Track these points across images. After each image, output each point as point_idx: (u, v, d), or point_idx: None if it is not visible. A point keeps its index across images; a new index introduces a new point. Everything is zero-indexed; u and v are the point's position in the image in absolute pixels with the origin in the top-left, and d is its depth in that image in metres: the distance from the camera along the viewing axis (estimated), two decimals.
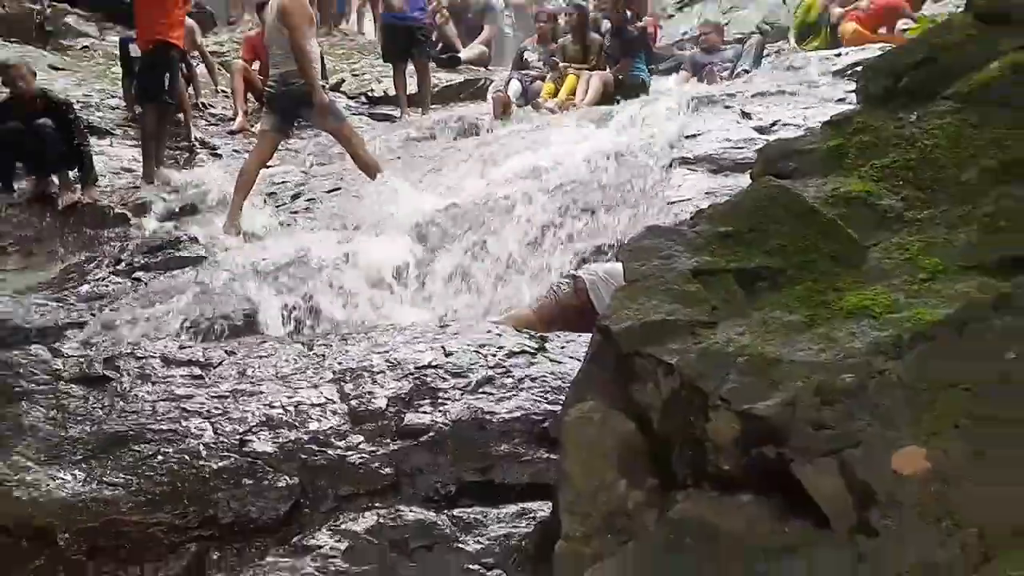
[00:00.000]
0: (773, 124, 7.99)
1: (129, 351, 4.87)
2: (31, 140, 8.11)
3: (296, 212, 8.07)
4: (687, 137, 8.22)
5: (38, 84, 8.64)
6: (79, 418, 4.32)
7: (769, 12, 12.88)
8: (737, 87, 9.75)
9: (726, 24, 12.69)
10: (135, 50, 9.32)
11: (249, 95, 11.01)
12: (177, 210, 8.22)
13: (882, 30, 11.09)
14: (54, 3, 12.65)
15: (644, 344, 2.16)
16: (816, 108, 8.09)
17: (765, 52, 11.92)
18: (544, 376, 4.45)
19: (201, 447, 4.10)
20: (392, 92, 11.60)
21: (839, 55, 10.27)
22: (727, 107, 8.86)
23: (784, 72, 9.92)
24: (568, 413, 2.23)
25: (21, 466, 4.03)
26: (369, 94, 12.01)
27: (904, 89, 2.69)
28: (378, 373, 4.53)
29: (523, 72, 11.54)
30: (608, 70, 11.08)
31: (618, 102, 10.21)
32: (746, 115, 8.56)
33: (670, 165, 7.76)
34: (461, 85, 12.36)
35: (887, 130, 2.58)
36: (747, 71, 11.22)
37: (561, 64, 11.18)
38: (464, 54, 13.26)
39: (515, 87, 11.31)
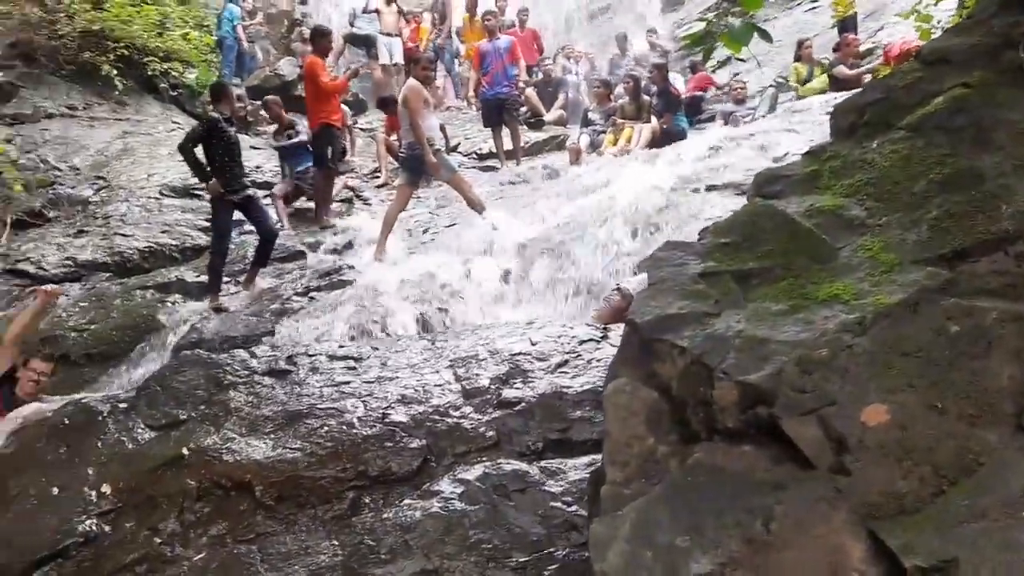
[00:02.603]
0: (784, 155, 7.76)
1: (304, 351, 4.97)
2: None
3: (425, 243, 8.13)
4: (717, 169, 8.05)
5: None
6: (268, 401, 4.43)
7: (783, 69, 12.53)
8: (756, 128, 9.51)
9: (747, 82, 12.37)
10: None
11: (389, 158, 11.19)
12: (340, 246, 8.36)
13: None
14: (252, 101, 13.06)
15: (662, 332, 2.12)
16: (818, 140, 7.83)
17: (779, 100, 11.59)
18: (607, 358, 4.40)
19: (355, 419, 4.17)
20: (494, 150, 11.65)
21: (835, 97, 9.94)
22: (748, 145, 8.65)
23: (792, 115, 9.62)
24: (608, 386, 2.20)
25: (228, 437, 4.15)
26: (478, 152, 12.07)
27: (866, 123, 2.59)
28: (482, 360, 4.54)
29: (590, 128, 11.47)
30: (655, 122, 10.93)
31: (664, 147, 10.08)
32: (763, 149, 8.34)
33: (705, 191, 7.60)
34: (545, 141, 12.31)
35: (853, 156, 2.49)
36: (764, 116, 10.93)
37: (619, 120, 11.08)
38: (547, 117, 13.23)
39: (584, 140, 11.24)
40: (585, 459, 3.70)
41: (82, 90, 12.30)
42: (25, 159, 9.94)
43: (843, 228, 2.30)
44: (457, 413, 4.12)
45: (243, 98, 12.52)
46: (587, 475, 3.58)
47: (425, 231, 8.46)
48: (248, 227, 7.82)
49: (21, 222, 8.92)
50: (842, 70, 10.65)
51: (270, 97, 10.67)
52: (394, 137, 11.30)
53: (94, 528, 3.71)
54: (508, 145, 11.25)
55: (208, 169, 6.90)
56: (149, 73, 12.55)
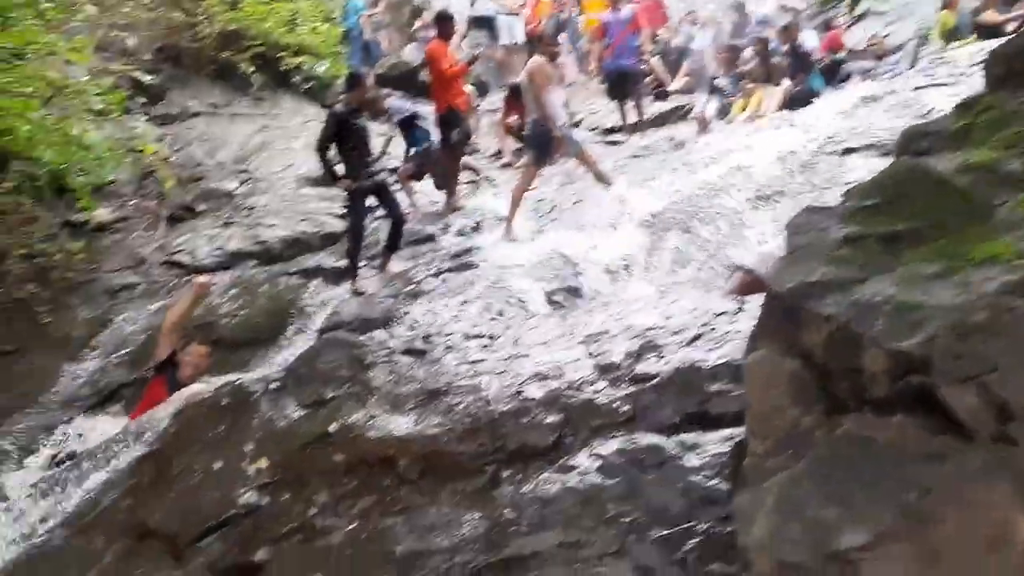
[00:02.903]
0: (929, 111, 7.32)
1: (438, 330, 5.09)
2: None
3: (552, 221, 8.17)
4: (856, 130, 7.68)
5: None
6: (408, 379, 4.56)
7: (923, 22, 11.76)
8: (897, 85, 8.99)
9: (886, 36, 11.70)
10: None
11: (511, 139, 11.26)
12: (468, 227, 8.50)
13: None
14: (380, 90, 13.45)
15: (805, 299, 2.05)
16: (966, 94, 7.33)
17: (920, 55, 10.92)
18: (744, 331, 4.29)
19: (491, 396, 4.24)
20: (618, 123, 11.52)
21: (982, 48, 9.26)
22: (889, 103, 8.20)
23: (936, 68, 9.04)
24: (748, 357, 2.15)
25: (372, 414, 4.32)
26: (601, 126, 11.98)
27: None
28: (614, 335, 4.52)
29: (717, 95, 11.17)
30: (786, 85, 10.52)
31: (796, 109, 9.68)
32: (906, 106, 7.89)
33: (842, 154, 7.27)
34: (671, 111, 12.08)
35: (1009, 106, 2.32)
36: (905, 71, 10.32)
37: (748, 85, 10.74)
38: (672, 86, 12.96)
39: (712, 107, 10.96)
40: (723, 433, 3.64)
41: (223, 88, 13.00)
42: (175, 157, 10.62)
43: (999, 184, 2.15)
44: (591, 388, 4.13)
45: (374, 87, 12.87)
46: (726, 449, 3.52)
47: (552, 209, 8.48)
48: (381, 213, 8.07)
49: (174, 216, 9.54)
50: (990, 16, 9.91)
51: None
52: (514, 117, 11.37)
53: (253, 500, 3.95)
54: (633, 117, 11.10)
55: (341, 162, 7.17)
56: (282, 68, 13.11)
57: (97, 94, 8.93)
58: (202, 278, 6.33)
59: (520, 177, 8.05)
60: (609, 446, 3.68)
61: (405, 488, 3.87)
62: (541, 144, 7.73)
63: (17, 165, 8.63)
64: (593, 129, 11.92)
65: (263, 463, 4.16)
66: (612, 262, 6.37)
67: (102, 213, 9.31)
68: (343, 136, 7.20)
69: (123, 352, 7.02)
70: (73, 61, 9.00)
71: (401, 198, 8.71)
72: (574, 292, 5.97)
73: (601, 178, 7.80)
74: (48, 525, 4.41)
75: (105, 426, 6.13)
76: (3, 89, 8.22)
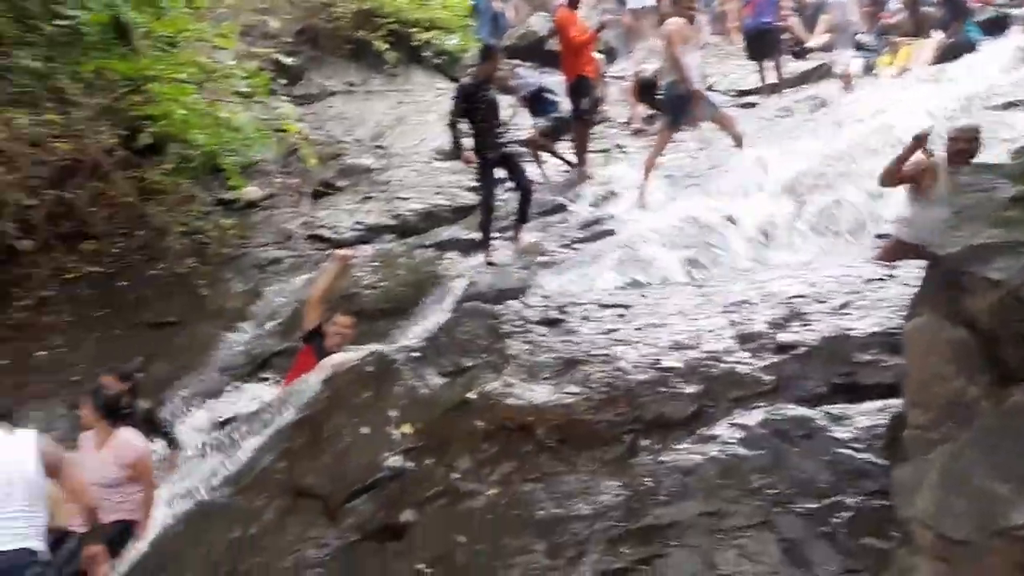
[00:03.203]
0: None
1: (573, 300, 5.11)
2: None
3: (687, 187, 8.01)
4: (1019, 84, 7.12)
5: None
6: (544, 349, 4.62)
7: None
8: None
9: None
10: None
11: (641, 106, 11.08)
12: (600, 196, 8.45)
13: None
14: (509, 61, 13.49)
15: (970, 264, 1.95)
16: None
17: None
18: (895, 298, 4.12)
19: (627, 365, 4.25)
20: (754, 85, 11.15)
21: None
22: None
23: None
24: (908, 325, 2.07)
25: (509, 383, 4.40)
26: (737, 88, 11.61)
27: None
28: (756, 304, 4.43)
29: (861, 51, 10.59)
30: (937, 36, 9.85)
31: (950, 62, 9.07)
32: None
33: (1003, 109, 6.77)
34: (811, 70, 11.55)
35: None
36: None
37: (896, 38, 10.13)
38: (811, 43, 12.38)
39: (856, 64, 10.40)
40: (875, 404, 3.51)
41: (358, 67, 13.39)
42: (315, 135, 11.05)
43: None
44: (732, 358, 4.06)
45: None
46: (877, 421, 3.40)
47: (686, 176, 8.31)
48: (511, 184, 8.14)
49: (317, 192, 9.96)
50: None
51: None
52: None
53: (399, 464, 4.11)
54: (772, 78, 10.70)
55: (471, 135, 7.28)
56: (414, 44, 13.37)
57: (243, 77, 9.38)
58: (344, 252, 6.58)
59: (655, 143, 7.91)
60: (752, 417, 3.62)
61: (544, 455, 3.93)
62: (676, 108, 7.57)
63: (174, 147, 9.21)
64: (728, 92, 11.56)
65: (407, 428, 4.32)
66: (751, 228, 6.20)
67: (251, 191, 9.83)
68: (472, 109, 7.30)
69: (274, 323, 7.42)
70: (221, 46, 9.48)
71: (531, 169, 8.75)
72: (712, 260, 5.85)
73: (739, 140, 7.57)
74: (213, 484, 4.74)
75: (260, 392, 6.52)
76: (160, 76, 8.78)
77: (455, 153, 7.59)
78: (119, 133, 8.67)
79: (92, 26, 8.34)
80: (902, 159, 5.46)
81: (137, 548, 4.61)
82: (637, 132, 10.71)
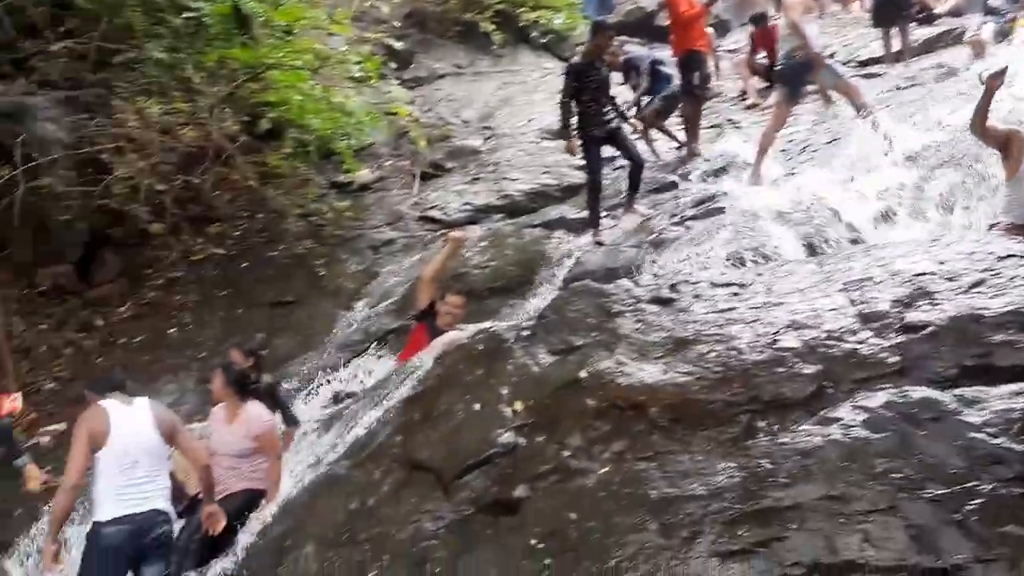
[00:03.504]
0: None
1: (685, 278, 5.02)
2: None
3: (804, 162, 7.72)
4: None
5: None
6: (655, 328, 4.56)
7: None
8: None
9: None
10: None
11: (755, 78, 10.75)
12: (711, 172, 8.25)
13: None
14: (618, 38, 13.33)
15: None
16: None
17: None
18: None
19: (743, 345, 4.15)
20: (876, 54, 10.64)
21: None
22: None
23: None
24: None
25: (621, 362, 4.37)
26: (857, 59, 11.10)
27: None
28: (879, 282, 4.24)
29: (993, 16, 9.92)
30: None
31: None
32: None
33: None
34: (938, 36, 10.94)
35: None
36: None
37: None
38: (939, 9, 11.72)
39: (988, 29, 9.76)
40: (1011, 387, 3.32)
41: (466, 49, 13.53)
42: (425, 117, 11.24)
43: None
44: (854, 338, 3.91)
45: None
46: (1013, 404, 3.22)
47: (803, 150, 8.02)
48: (620, 163, 8.06)
49: (426, 174, 10.13)
50: None
51: None
52: (760, 55, 10.83)
53: (511, 441, 4.15)
54: (896, 45, 10.19)
55: (579, 113, 7.22)
56: (521, 24, 13.38)
57: (356, 62, 9.61)
58: (457, 233, 6.67)
59: (771, 117, 7.64)
60: (876, 399, 3.49)
61: (657, 434, 3.89)
62: (794, 80, 7.28)
63: (291, 132, 9.55)
64: (847, 62, 11.07)
65: (518, 406, 4.36)
66: (873, 203, 5.92)
67: (364, 174, 10.09)
68: (582, 88, 7.24)
69: (388, 301, 7.61)
70: (335, 32, 9.74)
71: (641, 147, 8.63)
72: (831, 238, 5.63)
73: (863, 110, 7.22)
74: (333, 456, 4.91)
75: (375, 368, 6.70)
76: (278, 63, 9.09)
77: (563, 133, 7.54)
78: (240, 120, 9.05)
79: (214, 17, 8.72)
80: (982, 106, 5.13)
81: (264, 516, 4.84)
82: (751, 107, 10.41)
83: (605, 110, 7.35)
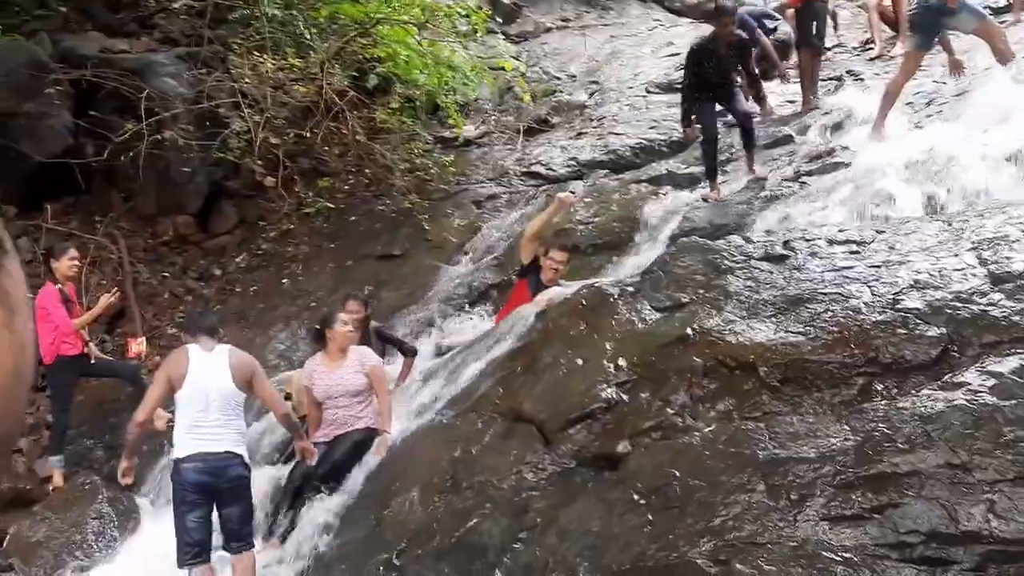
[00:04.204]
0: None
1: (800, 235, 4.84)
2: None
3: (930, 116, 7.25)
4: None
5: None
6: (767, 286, 4.42)
7: None
8: None
9: None
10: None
11: (883, 26, 10.14)
12: (829, 126, 7.87)
13: None
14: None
15: None
16: None
17: None
18: None
19: (861, 305, 3.98)
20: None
21: None
22: None
23: None
24: None
25: (730, 320, 4.27)
26: (989, 6, 10.33)
27: None
28: (1014, 241, 3.97)
29: None
30: None
31: None
32: None
33: None
34: None
35: None
36: None
37: None
38: None
39: None
40: None
41: (573, 2, 13.28)
42: (530, 72, 11.12)
43: None
44: (984, 300, 3.69)
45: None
46: None
47: (929, 103, 7.55)
48: (729, 118, 7.76)
49: (531, 129, 10.05)
50: None
51: None
52: (887, 1, 10.20)
53: (614, 396, 4.13)
54: None
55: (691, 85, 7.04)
56: None
57: (463, 16, 9.56)
58: (566, 195, 6.60)
59: (902, 67, 7.18)
60: (1007, 364, 3.29)
61: (766, 394, 3.79)
62: (927, 23, 6.78)
63: (399, 88, 9.62)
64: (986, 6, 10.33)
65: (622, 361, 4.32)
66: (1008, 159, 5.52)
67: (469, 129, 10.08)
68: (701, 73, 7.00)
69: (491, 256, 7.63)
70: None
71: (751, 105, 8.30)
72: (959, 195, 5.29)
73: (1005, 57, 6.68)
74: (438, 405, 5.00)
75: (478, 322, 6.76)
76: (386, 19, 9.14)
77: (683, 122, 7.29)
78: (350, 75, 9.16)
79: None
80: None
81: (374, 458, 4.99)
82: (876, 57, 9.85)
83: (721, 87, 7.10)
